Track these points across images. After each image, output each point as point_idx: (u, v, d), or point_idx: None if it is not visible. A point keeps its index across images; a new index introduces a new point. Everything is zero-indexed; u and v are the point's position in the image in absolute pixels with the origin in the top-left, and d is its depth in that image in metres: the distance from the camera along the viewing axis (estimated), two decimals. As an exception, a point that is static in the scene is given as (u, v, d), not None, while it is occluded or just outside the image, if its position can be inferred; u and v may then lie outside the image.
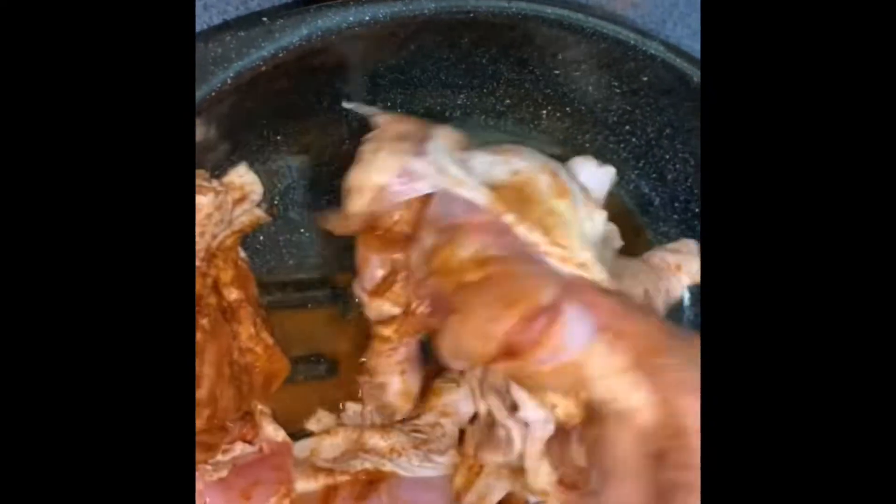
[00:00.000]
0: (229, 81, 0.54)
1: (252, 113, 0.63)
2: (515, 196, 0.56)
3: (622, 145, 0.83)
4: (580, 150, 0.83)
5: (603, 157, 0.85)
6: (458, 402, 0.64)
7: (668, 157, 0.83)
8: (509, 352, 0.51)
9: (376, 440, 0.58)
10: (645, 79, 0.73)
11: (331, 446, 0.59)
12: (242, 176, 0.63)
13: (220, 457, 0.51)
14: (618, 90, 0.75)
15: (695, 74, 0.71)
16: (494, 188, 0.56)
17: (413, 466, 0.57)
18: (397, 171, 0.55)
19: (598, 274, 0.55)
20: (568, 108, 0.78)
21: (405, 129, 0.58)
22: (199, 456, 0.49)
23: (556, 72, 0.72)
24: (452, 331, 0.51)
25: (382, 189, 0.54)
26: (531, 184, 0.58)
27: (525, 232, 0.55)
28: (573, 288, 0.52)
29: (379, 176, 0.55)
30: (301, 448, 0.58)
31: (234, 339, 0.54)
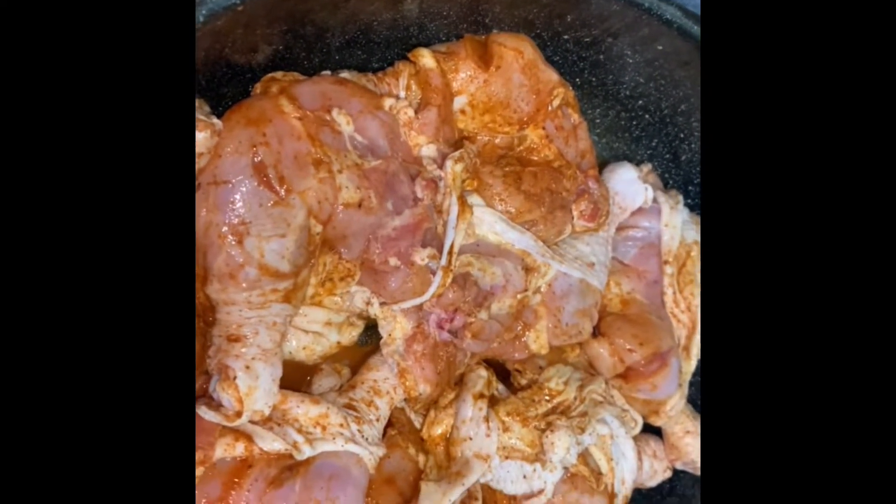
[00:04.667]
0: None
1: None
2: (684, 256, 0.77)
3: (635, 122, 0.79)
4: (590, 126, 0.80)
5: (614, 134, 0.82)
6: (388, 380, 0.63)
7: (682, 136, 0.78)
8: (627, 376, 0.73)
9: (305, 407, 0.55)
10: (660, 48, 0.69)
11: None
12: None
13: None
14: (630, 59, 0.71)
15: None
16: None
17: (337, 446, 0.54)
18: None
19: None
20: (577, 80, 0.74)
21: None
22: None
23: (565, 37, 0.68)
24: (597, 348, 0.72)
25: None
26: (695, 255, 0.77)
27: (669, 289, 0.76)
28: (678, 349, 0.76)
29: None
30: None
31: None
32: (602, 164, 0.79)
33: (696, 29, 0.66)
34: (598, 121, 0.80)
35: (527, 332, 0.69)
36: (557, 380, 0.69)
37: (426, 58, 0.62)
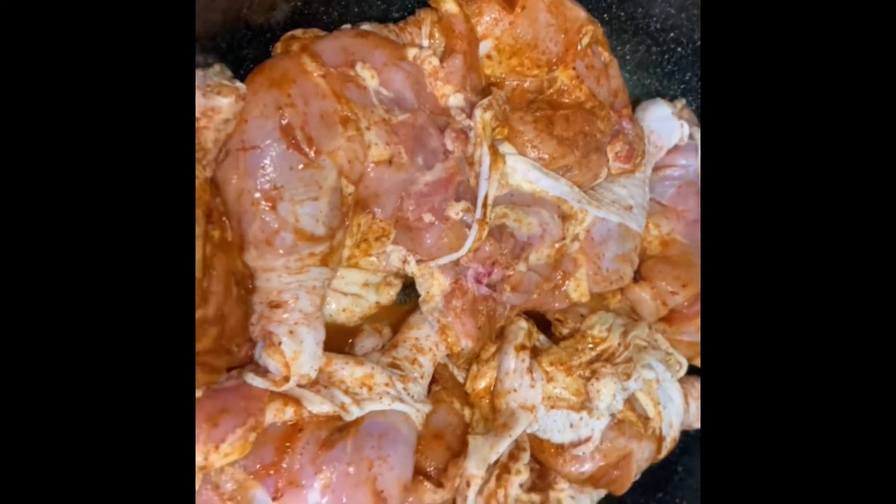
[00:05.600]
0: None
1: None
2: None
3: (667, 56, 0.76)
4: (621, 63, 0.76)
5: (645, 70, 0.79)
6: (430, 337, 0.62)
7: (717, 68, 0.75)
8: (671, 319, 0.72)
9: (350, 369, 0.55)
10: (692, -26, 0.65)
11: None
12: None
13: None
14: (661, -11, 0.67)
15: (749, -34, 0.63)
16: None
17: (384, 405, 0.54)
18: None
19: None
20: (605, 16, 0.71)
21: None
22: (201, 377, 0.46)
23: (591, -33, 0.64)
24: (639, 292, 0.70)
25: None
26: None
27: None
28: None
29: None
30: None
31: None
32: (634, 103, 0.76)
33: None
34: (628, 57, 0.76)
35: (567, 281, 0.68)
36: (600, 327, 0.68)
37: (448, 3, 0.60)
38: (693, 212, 0.75)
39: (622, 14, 0.71)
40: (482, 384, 0.66)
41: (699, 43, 0.73)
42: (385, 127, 0.55)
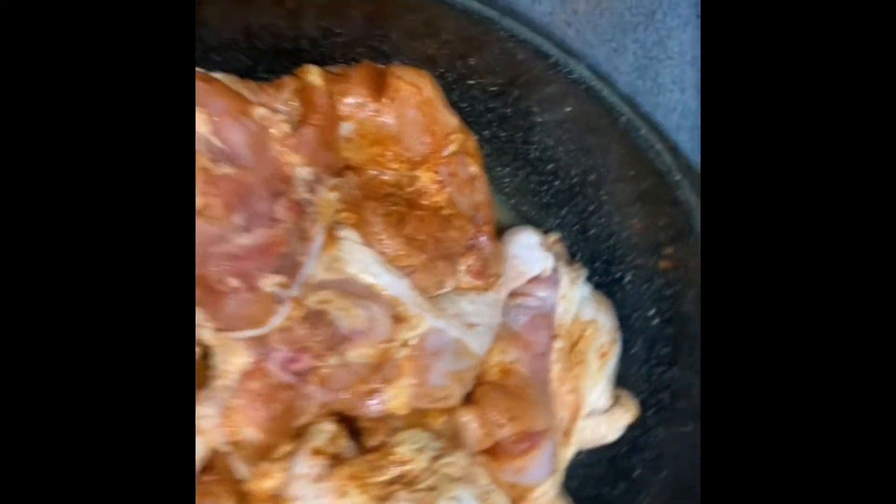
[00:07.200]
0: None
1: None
2: (577, 334, 0.71)
3: (545, 187, 0.76)
4: (498, 184, 0.76)
5: (523, 196, 0.78)
6: (210, 417, 0.57)
7: (592, 208, 0.75)
8: (493, 452, 0.66)
9: None
10: (568, 109, 0.66)
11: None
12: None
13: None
14: (538, 118, 0.68)
15: (623, 110, 0.64)
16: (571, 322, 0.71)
17: None
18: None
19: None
20: (485, 132, 0.71)
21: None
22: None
23: (470, 81, 0.65)
24: (471, 417, 0.65)
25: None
26: (593, 334, 0.71)
27: (557, 364, 0.69)
28: (556, 432, 0.68)
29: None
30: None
31: None
32: (509, 227, 0.75)
33: (605, 93, 0.63)
34: (507, 180, 0.76)
35: (386, 388, 0.63)
36: (410, 446, 0.62)
37: (314, 74, 0.58)
38: (542, 345, 0.72)
39: (502, 135, 0.71)
40: (267, 485, 0.59)
41: (576, 179, 0.73)
42: (203, 175, 0.52)
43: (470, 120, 0.68)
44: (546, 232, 0.76)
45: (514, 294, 0.74)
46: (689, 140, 0.75)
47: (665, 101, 0.76)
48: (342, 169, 0.62)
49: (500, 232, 0.74)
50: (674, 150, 0.66)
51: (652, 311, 0.76)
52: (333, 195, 0.58)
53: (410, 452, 0.62)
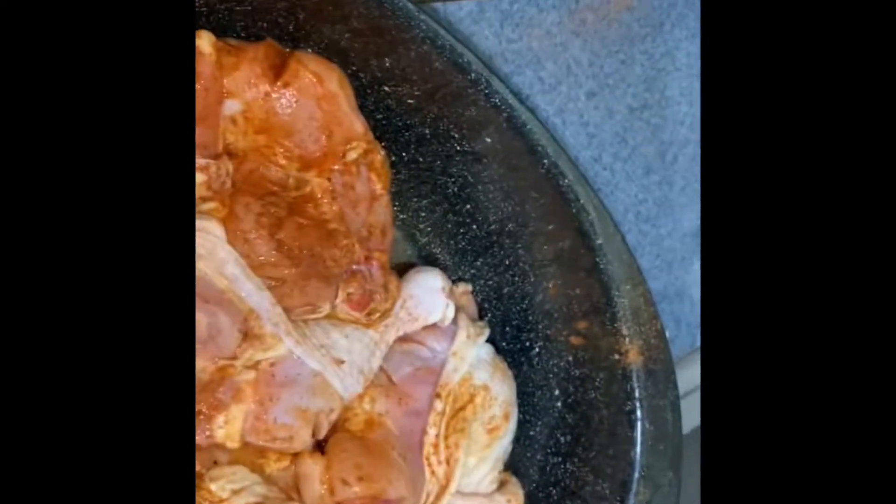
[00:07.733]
0: None
1: None
2: (465, 399, 0.63)
3: (462, 230, 0.68)
4: (414, 218, 0.69)
5: (439, 237, 0.70)
6: None
7: (507, 262, 0.67)
8: None
9: None
10: (488, 140, 0.59)
11: None
12: None
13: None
14: (457, 146, 0.61)
15: (549, 147, 0.57)
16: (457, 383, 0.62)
17: None
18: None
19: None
20: (403, 154, 0.64)
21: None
22: None
23: (386, 88, 0.58)
24: (314, 467, 0.56)
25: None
26: (483, 403, 0.63)
27: (433, 429, 0.61)
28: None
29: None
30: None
31: None
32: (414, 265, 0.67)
33: (528, 127, 0.57)
34: (423, 214, 0.68)
35: (218, 414, 0.53)
36: (228, 485, 0.52)
37: (203, 40, 0.52)
38: (420, 402, 0.62)
39: (420, 160, 0.64)
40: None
41: (493, 227, 0.66)
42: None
43: (388, 137, 0.62)
44: (457, 281, 0.68)
45: (402, 339, 0.65)
46: (696, 155, 0.74)
47: (672, 113, 0.74)
48: (219, 154, 0.55)
49: (405, 270, 0.66)
50: (599, 207, 0.59)
51: (556, 392, 0.67)
52: (200, 177, 0.51)
53: (225, 492, 0.52)
